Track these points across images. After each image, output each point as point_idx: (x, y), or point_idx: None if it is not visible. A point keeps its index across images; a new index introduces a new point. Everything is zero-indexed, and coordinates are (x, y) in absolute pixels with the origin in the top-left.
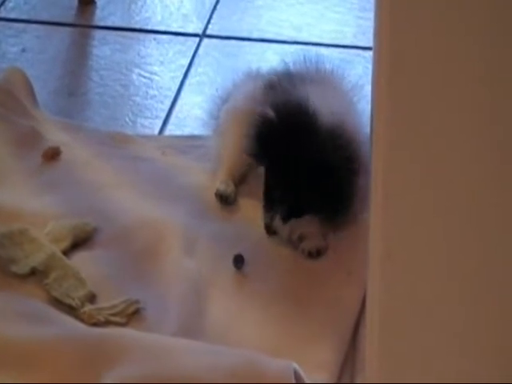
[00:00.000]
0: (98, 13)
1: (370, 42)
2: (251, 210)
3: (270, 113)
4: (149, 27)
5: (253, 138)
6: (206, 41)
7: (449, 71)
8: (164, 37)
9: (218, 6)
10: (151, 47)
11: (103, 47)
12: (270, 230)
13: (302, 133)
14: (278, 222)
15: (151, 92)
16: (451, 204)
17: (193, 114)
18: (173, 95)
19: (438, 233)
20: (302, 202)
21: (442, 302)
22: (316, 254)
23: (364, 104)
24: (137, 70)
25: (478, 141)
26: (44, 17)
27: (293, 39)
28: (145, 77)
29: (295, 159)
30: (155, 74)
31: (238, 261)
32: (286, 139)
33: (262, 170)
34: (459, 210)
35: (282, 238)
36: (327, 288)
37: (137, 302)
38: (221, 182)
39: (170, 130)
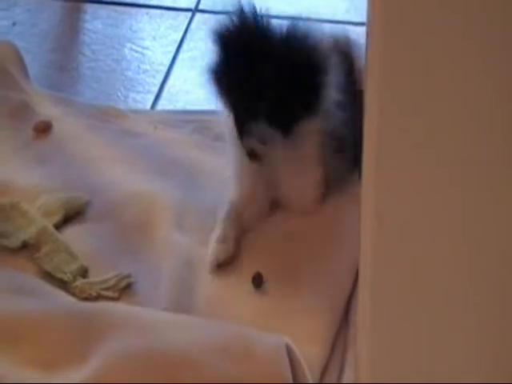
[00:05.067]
0: None
1: (362, 18)
2: None
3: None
4: (141, 2)
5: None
6: (198, 15)
7: (442, 45)
8: (156, 11)
9: None
10: (143, 22)
11: (95, 21)
12: (253, 155)
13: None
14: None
15: (143, 67)
16: (444, 169)
17: (185, 89)
18: (165, 70)
19: (430, 198)
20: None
21: (435, 268)
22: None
23: None
24: (129, 45)
25: (472, 110)
26: None
27: (284, 14)
28: (137, 51)
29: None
30: (147, 48)
31: None
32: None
33: None
34: (452, 175)
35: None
36: (319, 261)
37: (128, 276)
38: None
39: (162, 104)
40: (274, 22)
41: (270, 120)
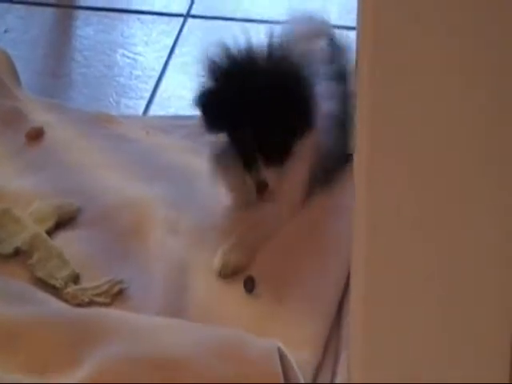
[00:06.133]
0: None
1: (355, 22)
2: None
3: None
4: (132, 7)
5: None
6: (190, 21)
7: (432, 47)
8: (148, 17)
9: None
10: (135, 27)
11: (87, 28)
12: (263, 185)
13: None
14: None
15: (135, 72)
16: (439, 176)
17: (177, 94)
18: (157, 75)
19: (425, 205)
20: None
21: (428, 268)
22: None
23: None
24: (121, 51)
25: (468, 110)
26: None
27: (277, 19)
28: (129, 57)
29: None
30: (139, 54)
31: None
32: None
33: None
34: (447, 183)
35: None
36: (310, 265)
37: (121, 281)
38: None
39: (154, 110)
40: (267, 27)
41: (270, 153)
